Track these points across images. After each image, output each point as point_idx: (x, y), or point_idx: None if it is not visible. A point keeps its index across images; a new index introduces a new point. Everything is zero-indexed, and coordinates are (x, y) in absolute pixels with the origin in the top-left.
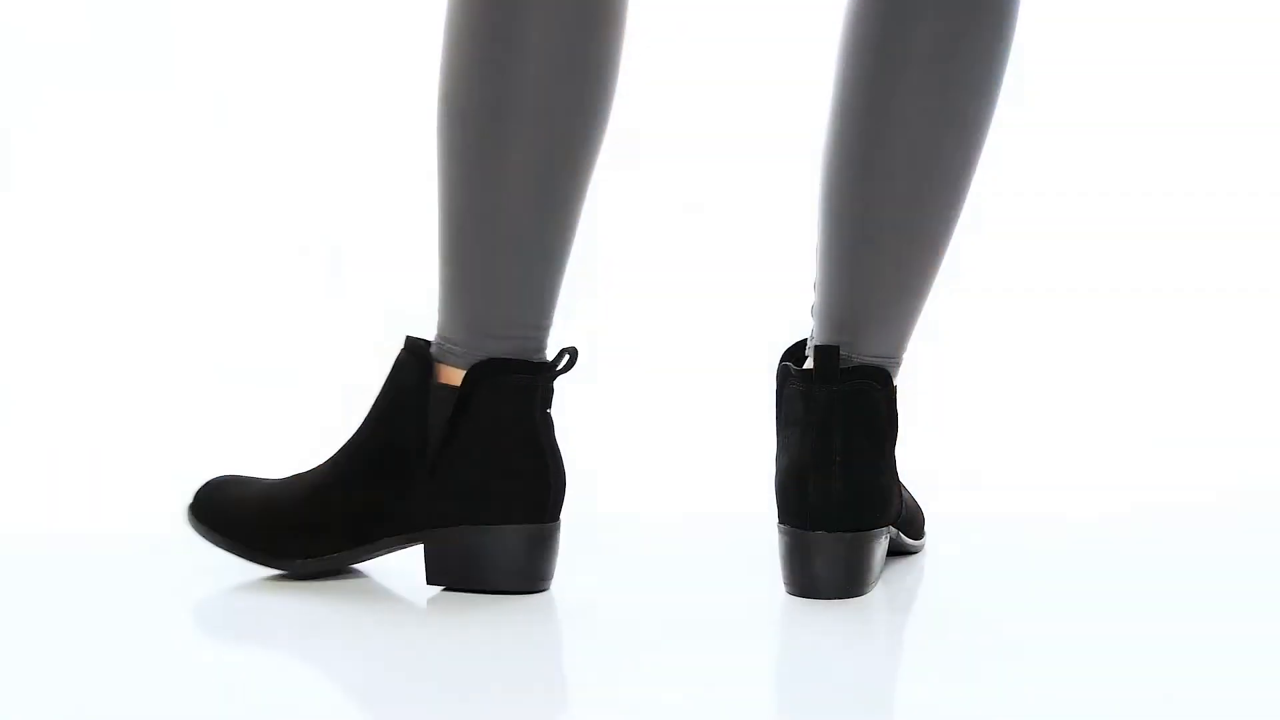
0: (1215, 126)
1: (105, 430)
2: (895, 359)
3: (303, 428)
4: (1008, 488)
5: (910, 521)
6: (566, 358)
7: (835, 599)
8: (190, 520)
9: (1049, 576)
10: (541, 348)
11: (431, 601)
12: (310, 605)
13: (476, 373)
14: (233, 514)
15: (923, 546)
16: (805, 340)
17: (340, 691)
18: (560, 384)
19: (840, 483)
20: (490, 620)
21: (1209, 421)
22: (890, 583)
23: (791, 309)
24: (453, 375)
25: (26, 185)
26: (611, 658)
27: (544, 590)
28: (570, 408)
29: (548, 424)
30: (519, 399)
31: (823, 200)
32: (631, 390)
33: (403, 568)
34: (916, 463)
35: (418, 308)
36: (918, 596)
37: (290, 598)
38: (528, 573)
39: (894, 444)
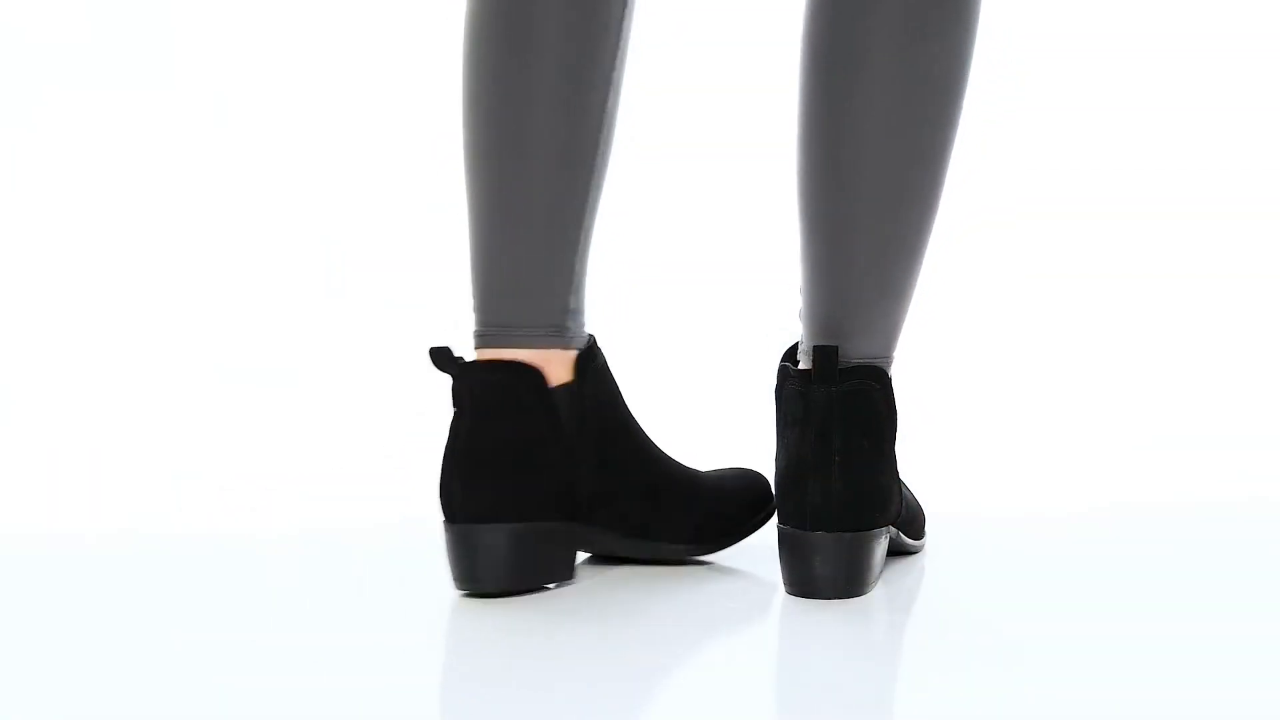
0: (1208, 113)
1: (105, 430)
2: (886, 358)
3: (303, 428)
4: (1008, 488)
5: (910, 521)
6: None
7: (835, 599)
8: None
9: (1049, 576)
10: (557, 329)
11: (435, 602)
12: (313, 604)
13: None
14: None
15: (923, 546)
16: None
17: (338, 690)
18: None
19: (840, 483)
20: (489, 619)
21: (1210, 421)
22: (890, 583)
23: (792, 309)
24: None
25: (26, 185)
26: (611, 657)
27: (508, 591)
28: None
29: (472, 421)
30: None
31: (799, 206)
32: (630, 391)
33: (412, 568)
34: (916, 463)
35: (417, 308)
36: (918, 596)
37: (293, 597)
38: (477, 574)
39: (894, 443)
